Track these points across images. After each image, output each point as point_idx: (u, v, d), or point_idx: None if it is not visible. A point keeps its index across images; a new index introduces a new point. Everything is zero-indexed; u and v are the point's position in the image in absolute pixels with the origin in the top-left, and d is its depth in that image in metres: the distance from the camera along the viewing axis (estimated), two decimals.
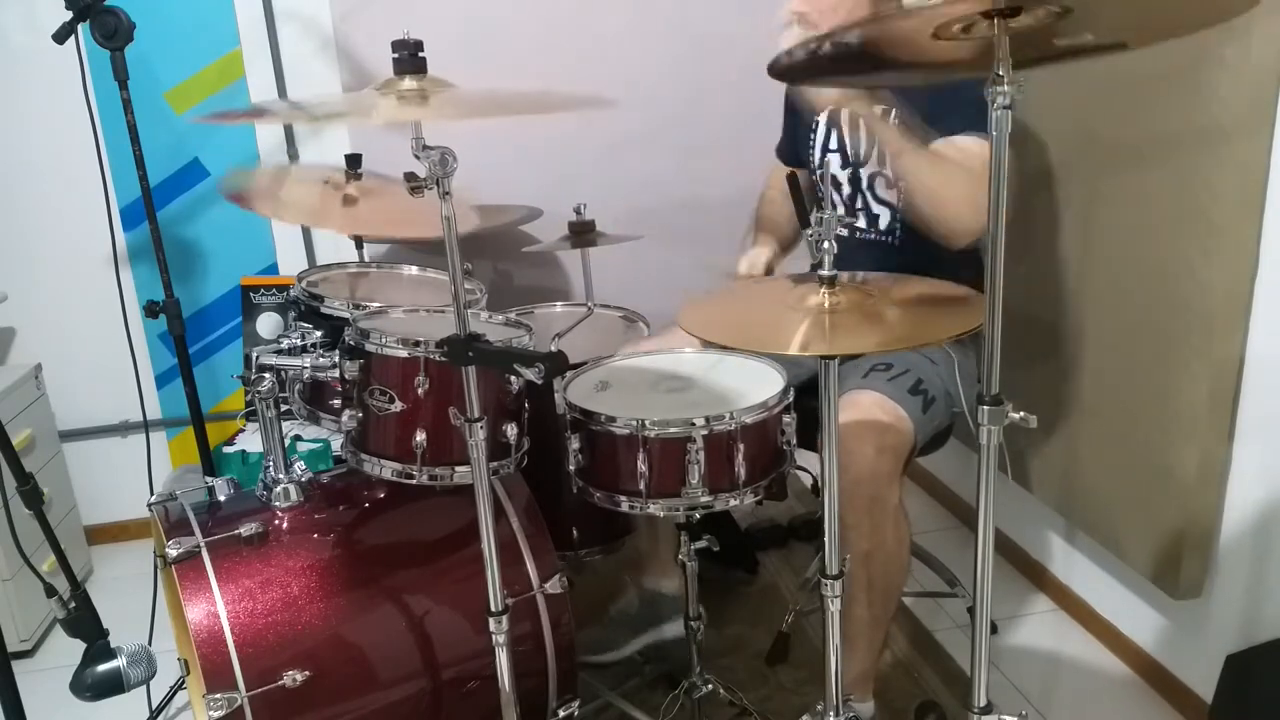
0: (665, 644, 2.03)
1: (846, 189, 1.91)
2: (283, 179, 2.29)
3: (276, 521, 1.60)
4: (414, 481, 1.47)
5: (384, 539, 1.68)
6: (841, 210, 1.88)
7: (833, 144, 1.92)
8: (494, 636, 1.40)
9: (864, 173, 1.88)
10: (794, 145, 2.08)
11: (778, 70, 1.25)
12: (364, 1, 2.53)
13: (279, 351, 1.66)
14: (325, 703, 1.50)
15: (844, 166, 1.90)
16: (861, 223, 1.91)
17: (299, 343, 1.67)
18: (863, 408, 1.69)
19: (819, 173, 1.95)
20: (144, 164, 2.07)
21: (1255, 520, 1.70)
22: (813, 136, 1.96)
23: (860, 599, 1.69)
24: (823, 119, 1.94)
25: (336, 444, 2.15)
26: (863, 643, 1.75)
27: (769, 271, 2.00)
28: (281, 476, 1.64)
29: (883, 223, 1.89)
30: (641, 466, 1.45)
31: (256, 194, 2.05)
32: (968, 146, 1.68)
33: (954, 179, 1.66)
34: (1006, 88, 1.06)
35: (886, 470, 1.64)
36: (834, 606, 1.39)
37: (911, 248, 1.84)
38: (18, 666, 1.45)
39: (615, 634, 2.04)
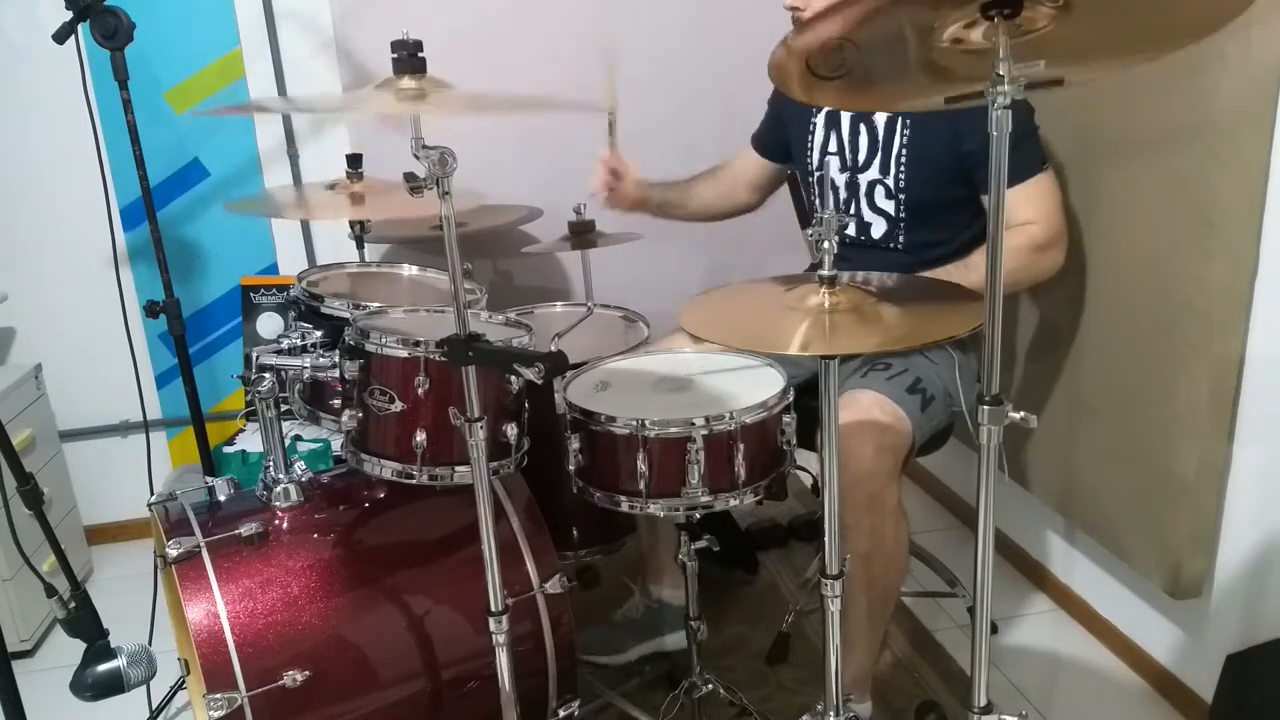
0: (666, 653, 2.04)
1: (843, 194, 1.90)
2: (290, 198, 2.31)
3: (276, 521, 1.60)
4: (414, 481, 1.47)
5: (384, 539, 1.67)
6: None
7: (832, 146, 1.91)
8: (494, 636, 1.40)
9: (862, 179, 1.86)
10: (782, 140, 2.06)
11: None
12: (364, 1, 2.53)
13: (279, 351, 1.66)
14: (325, 703, 1.50)
15: (842, 170, 1.89)
16: (852, 229, 1.89)
17: (299, 343, 1.67)
18: (861, 407, 1.68)
19: (817, 174, 1.95)
20: (144, 164, 2.07)
21: (1255, 520, 1.70)
22: (810, 137, 1.94)
23: (859, 599, 1.69)
24: (820, 119, 1.92)
25: (336, 444, 2.15)
26: (861, 643, 1.75)
27: (622, 201, 2.08)
28: (281, 476, 1.64)
29: (876, 231, 1.88)
30: (641, 466, 1.45)
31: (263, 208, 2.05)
32: (1009, 206, 1.67)
33: (1013, 256, 1.67)
34: (1007, 87, 1.06)
35: (885, 469, 1.64)
36: (834, 606, 1.39)
37: (906, 256, 1.85)
38: (18, 666, 1.45)
39: (619, 638, 2.04)
